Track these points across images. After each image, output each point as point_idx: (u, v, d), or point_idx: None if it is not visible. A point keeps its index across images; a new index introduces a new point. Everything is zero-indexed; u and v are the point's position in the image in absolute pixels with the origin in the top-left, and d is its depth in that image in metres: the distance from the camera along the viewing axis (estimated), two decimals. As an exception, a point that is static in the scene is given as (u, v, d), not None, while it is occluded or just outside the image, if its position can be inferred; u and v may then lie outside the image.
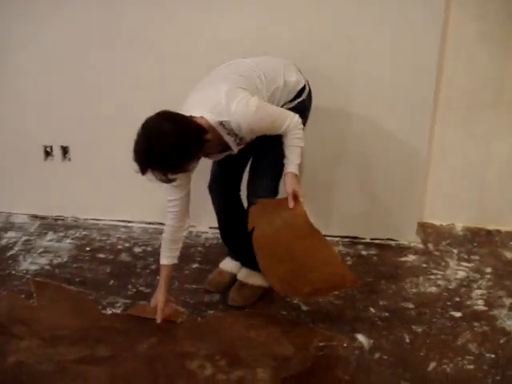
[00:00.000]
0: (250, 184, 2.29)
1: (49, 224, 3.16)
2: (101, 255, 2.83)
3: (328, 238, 2.92)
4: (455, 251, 2.86)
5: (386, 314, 2.35)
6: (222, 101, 1.99)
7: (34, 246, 2.91)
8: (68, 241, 2.98)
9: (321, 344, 2.16)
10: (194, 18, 2.68)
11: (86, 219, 3.19)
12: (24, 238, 3.00)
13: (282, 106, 2.21)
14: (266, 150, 2.21)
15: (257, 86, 2.12)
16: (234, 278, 2.49)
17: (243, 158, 2.32)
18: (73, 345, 2.15)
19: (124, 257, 2.81)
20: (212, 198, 2.44)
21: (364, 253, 2.85)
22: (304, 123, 2.31)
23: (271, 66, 2.25)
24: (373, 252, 2.85)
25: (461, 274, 2.65)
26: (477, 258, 2.80)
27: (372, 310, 2.38)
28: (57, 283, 2.57)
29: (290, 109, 2.18)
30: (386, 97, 2.69)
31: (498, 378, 1.99)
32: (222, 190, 2.41)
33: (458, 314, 2.35)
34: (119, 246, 2.92)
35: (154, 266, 2.70)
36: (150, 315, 2.25)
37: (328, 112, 2.73)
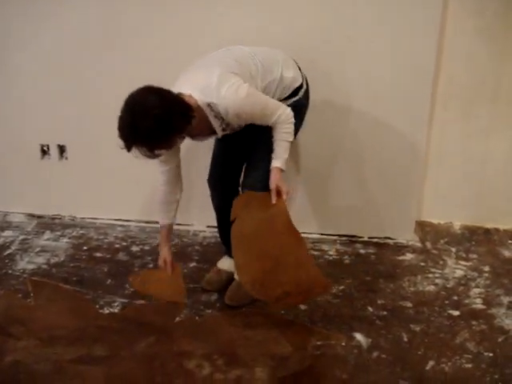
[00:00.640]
0: (244, 177, 2.29)
1: (46, 223, 3.15)
2: (98, 254, 2.82)
3: (326, 237, 2.95)
4: (453, 250, 2.86)
5: (384, 313, 2.35)
6: (212, 83, 1.98)
7: (31, 245, 2.90)
8: (65, 240, 2.97)
9: (319, 343, 2.15)
10: (194, 18, 2.67)
11: (83, 218, 3.18)
12: (21, 237, 2.99)
13: None
14: (261, 143, 2.19)
15: (251, 73, 2.10)
16: (231, 277, 2.48)
17: (242, 153, 2.32)
18: (70, 344, 2.14)
19: (121, 256, 2.81)
20: (211, 192, 2.44)
21: (362, 251, 2.84)
22: (300, 123, 2.31)
23: (270, 56, 2.23)
24: (371, 251, 2.85)
25: (459, 273, 2.65)
26: (475, 256, 2.80)
27: (370, 308, 2.38)
28: (54, 282, 2.56)
29: None
30: (384, 95, 2.69)
31: (496, 376, 1.99)
32: (221, 184, 2.41)
33: (456, 313, 2.35)
34: (116, 245, 2.91)
35: (151, 265, 2.69)
36: (153, 290, 2.26)
37: (326, 111, 2.73)
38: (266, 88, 2.16)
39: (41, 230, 3.08)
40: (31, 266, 2.70)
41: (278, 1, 2.60)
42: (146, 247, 2.88)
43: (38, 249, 2.87)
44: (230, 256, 2.54)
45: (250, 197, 2.17)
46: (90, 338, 2.18)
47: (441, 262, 2.74)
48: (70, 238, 2.98)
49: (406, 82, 2.64)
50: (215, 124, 2.08)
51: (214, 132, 2.14)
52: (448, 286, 2.55)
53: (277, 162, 2.12)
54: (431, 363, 2.05)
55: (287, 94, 2.24)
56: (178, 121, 1.89)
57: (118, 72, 2.84)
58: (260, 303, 2.36)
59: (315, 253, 2.81)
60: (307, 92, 2.33)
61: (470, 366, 2.04)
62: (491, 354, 2.10)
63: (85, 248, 2.88)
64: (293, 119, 2.12)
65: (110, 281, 2.58)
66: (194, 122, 1.95)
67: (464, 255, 2.81)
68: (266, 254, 2.09)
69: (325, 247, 2.87)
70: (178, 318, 2.30)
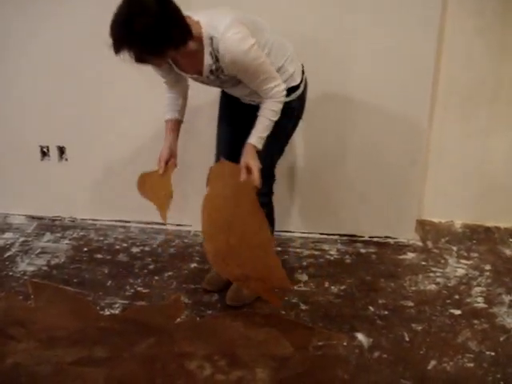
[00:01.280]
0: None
1: (46, 225, 3.15)
2: (98, 256, 2.82)
3: (326, 237, 2.94)
4: (454, 248, 2.86)
5: (386, 313, 2.34)
6: (222, 24, 1.94)
7: (32, 247, 2.90)
8: (65, 241, 2.96)
9: (320, 343, 2.15)
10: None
11: (84, 219, 3.18)
12: (21, 239, 2.98)
13: None
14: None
15: (260, 42, 2.05)
16: None
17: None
18: (71, 346, 2.14)
19: (122, 257, 2.80)
20: None
21: (363, 251, 2.84)
22: (294, 127, 2.29)
23: (283, 44, 2.19)
24: (371, 250, 2.85)
25: (460, 272, 2.64)
26: (476, 255, 2.80)
27: (371, 308, 2.37)
28: (54, 284, 2.56)
29: None
30: (384, 94, 2.68)
31: (498, 375, 1.98)
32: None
33: (457, 312, 2.34)
34: (117, 247, 2.91)
35: (151, 266, 2.69)
36: (149, 193, 2.27)
37: (326, 110, 2.73)
38: None
39: (41, 231, 3.07)
40: (31, 268, 2.69)
41: (278, 3, 2.59)
42: (147, 248, 2.87)
43: (38, 250, 2.87)
44: None
45: (225, 167, 2.18)
46: (91, 339, 2.17)
47: (442, 261, 2.74)
48: (70, 240, 2.98)
49: (406, 82, 2.64)
50: (207, 62, 2.02)
51: (199, 73, 2.08)
52: (449, 284, 2.54)
53: (253, 139, 2.08)
54: (433, 363, 2.05)
55: None
56: (176, 34, 1.85)
57: (116, 72, 2.83)
58: (261, 303, 2.36)
59: (316, 252, 2.81)
60: (303, 95, 2.28)
61: (471, 365, 2.04)
62: (493, 353, 2.09)
63: (85, 249, 2.87)
64: (283, 98, 2.09)
65: (110, 282, 2.58)
66: (189, 46, 1.91)
67: (465, 254, 2.81)
68: (231, 228, 2.11)
69: (325, 247, 2.86)
70: (178, 319, 2.30)
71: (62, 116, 2.98)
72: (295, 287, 2.50)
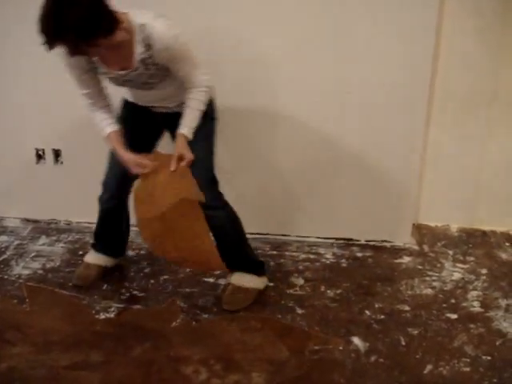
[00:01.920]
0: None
1: (41, 228, 3.14)
2: (94, 259, 2.81)
3: (322, 241, 2.94)
4: (450, 252, 2.86)
5: (382, 317, 2.34)
6: (150, 14, 1.99)
7: (27, 251, 2.88)
8: (61, 245, 2.95)
9: (316, 347, 2.15)
10: (194, 18, 2.66)
11: (79, 223, 3.16)
12: (16, 242, 2.97)
13: None
14: (195, 145, 2.18)
15: None
16: (101, 271, 2.58)
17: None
18: (66, 350, 2.13)
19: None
20: (104, 194, 2.50)
21: (359, 255, 2.84)
22: (216, 127, 2.31)
23: None
24: (368, 254, 2.84)
25: (456, 276, 2.64)
26: (472, 259, 2.80)
27: (367, 312, 2.37)
28: (50, 288, 2.55)
29: None
30: (381, 96, 2.67)
31: (494, 380, 1.98)
32: (117, 188, 2.48)
33: (453, 316, 2.34)
34: (113, 250, 2.89)
35: (147, 270, 2.68)
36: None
37: (322, 112, 2.72)
38: None
39: (36, 234, 3.06)
40: (27, 272, 2.68)
41: (276, 5, 2.58)
42: (142, 252, 2.86)
43: (33, 254, 2.85)
44: (96, 250, 2.61)
45: (158, 156, 2.21)
46: (86, 343, 2.16)
47: (438, 265, 2.74)
48: (65, 243, 2.97)
49: (403, 84, 2.63)
50: (138, 50, 2.00)
51: (128, 67, 2.06)
52: (445, 288, 2.54)
53: (184, 130, 2.13)
54: (429, 367, 2.05)
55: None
56: (107, 23, 1.84)
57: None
58: (257, 308, 2.36)
59: (312, 256, 2.80)
60: (213, 96, 2.30)
61: (468, 369, 2.04)
62: (489, 358, 2.09)
63: (80, 253, 2.86)
64: (207, 88, 2.14)
65: (105, 286, 2.56)
66: (119, 35, 1.90)
67: (461, 258, 2.81)
68: (166, 215, 2.11)
69: (321, 251, 2.86)
70: (174, 323, 2.29)
71: (58, 119, 2.97)
72: (291, 291, 2.51)
